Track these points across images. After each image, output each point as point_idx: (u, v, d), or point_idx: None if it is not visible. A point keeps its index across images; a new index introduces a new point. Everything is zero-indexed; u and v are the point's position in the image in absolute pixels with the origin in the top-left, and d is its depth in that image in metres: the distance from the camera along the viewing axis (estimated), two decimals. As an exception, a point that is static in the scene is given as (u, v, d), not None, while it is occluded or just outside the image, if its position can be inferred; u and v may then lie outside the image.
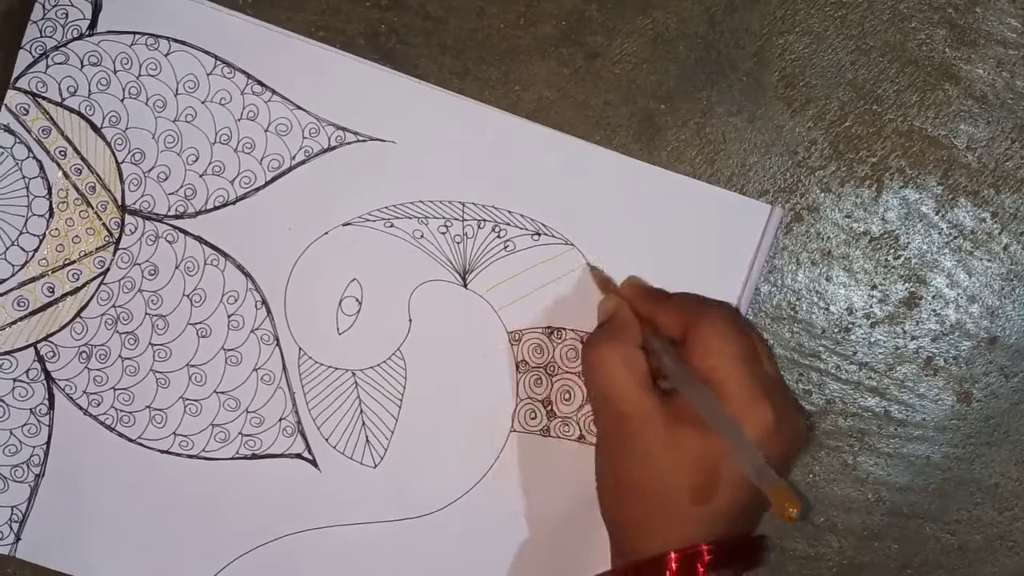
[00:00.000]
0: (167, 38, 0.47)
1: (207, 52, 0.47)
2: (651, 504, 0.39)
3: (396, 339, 0.47)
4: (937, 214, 0.48)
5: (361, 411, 0.47)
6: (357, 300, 0.47)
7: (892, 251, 0.48)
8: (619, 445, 0.40)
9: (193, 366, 0.47)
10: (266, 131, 0.47)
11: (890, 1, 0.48)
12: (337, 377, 0.47)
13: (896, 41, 0.48)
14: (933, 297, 0.48)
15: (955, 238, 0.48)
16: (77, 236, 0.47)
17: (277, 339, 0.47)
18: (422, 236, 0.47)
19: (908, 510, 0.48)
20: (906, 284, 0.48)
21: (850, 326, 0.48)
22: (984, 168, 0.48)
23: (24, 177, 0.47)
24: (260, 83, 0.47)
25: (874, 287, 0.48)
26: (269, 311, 0.47)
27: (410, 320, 0.47)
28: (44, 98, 0.47)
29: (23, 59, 0.46)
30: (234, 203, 0.47)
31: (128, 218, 0.47)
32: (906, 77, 0.48)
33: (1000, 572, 0.48)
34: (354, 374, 0.47)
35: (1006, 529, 0.48)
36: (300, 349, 0.47)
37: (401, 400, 0.47)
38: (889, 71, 0.48)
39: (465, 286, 0.47)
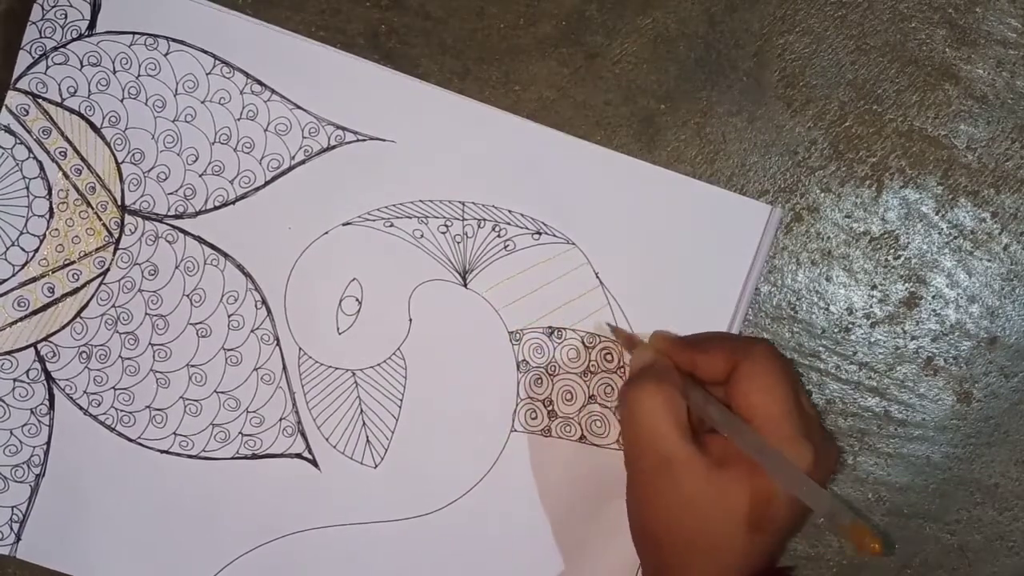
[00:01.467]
0: (166, 38, 0.47)
1: (206, 52, 0.47)
2: (698, 548, 0.39)
3: (396, 339, 0.47)
4: (937, 214, 0.48)
5: (361, 411, 0.47)
6: (357, 300, 0.47)
7: (892, 251, 0.48)
8: (658, 490, 0.40)
9: (193, 366, 0.47)
10: (265, 131, 0.47)
11: (890, 1, 0.48)
12: (337, 377, 0.47)
13: (896, 41, 0.48)
14: (933, 297, 0.48)
15: (955, 238, 0.48)
16: (77, 236, 0.47)
17: (277, 339, 0.47)
18: (422, 236, 0.47)
19: (908, 510, 0.48)
20: (906, 284, 0.48)
21: (850, 326, 0.48)
22: (984, 168, 0.48)
23: (24, 178, 0.47)
24: (259, 82, 0.47)
25: (874, 287, 0.48)
26: (269, 311, 0.47)
27: (410, 320, 0.47)
28: (44, 99, 0.47)
29: (23, 60, 0.46)
30: (234, 203, 0.47)
31: (128, 218, 0.47)
32: (906, 77, 0.48)
33: (1000, 572, 0.48)
34: (354, 374, 0.47)
35: (1006, 529, 0.48)
36: (300, 349, 0.47)
37: (401, 400, 0.47)
38: (889, 71, 0.48)
39: (465, 286, 0.47)
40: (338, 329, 0.47)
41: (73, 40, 0.46)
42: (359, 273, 0.47)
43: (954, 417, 0.48)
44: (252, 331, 0.47)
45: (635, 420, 0.40)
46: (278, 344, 0.47)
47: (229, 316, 0.47)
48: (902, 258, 0.48)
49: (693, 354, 0.42)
